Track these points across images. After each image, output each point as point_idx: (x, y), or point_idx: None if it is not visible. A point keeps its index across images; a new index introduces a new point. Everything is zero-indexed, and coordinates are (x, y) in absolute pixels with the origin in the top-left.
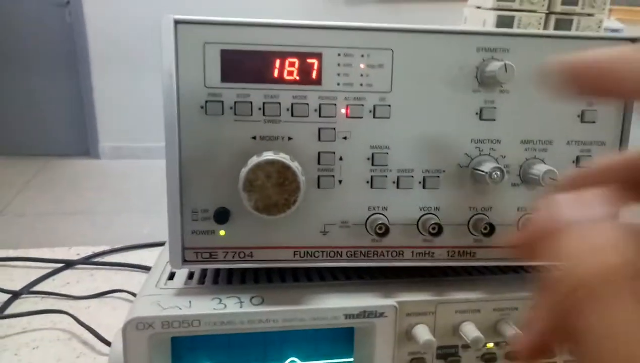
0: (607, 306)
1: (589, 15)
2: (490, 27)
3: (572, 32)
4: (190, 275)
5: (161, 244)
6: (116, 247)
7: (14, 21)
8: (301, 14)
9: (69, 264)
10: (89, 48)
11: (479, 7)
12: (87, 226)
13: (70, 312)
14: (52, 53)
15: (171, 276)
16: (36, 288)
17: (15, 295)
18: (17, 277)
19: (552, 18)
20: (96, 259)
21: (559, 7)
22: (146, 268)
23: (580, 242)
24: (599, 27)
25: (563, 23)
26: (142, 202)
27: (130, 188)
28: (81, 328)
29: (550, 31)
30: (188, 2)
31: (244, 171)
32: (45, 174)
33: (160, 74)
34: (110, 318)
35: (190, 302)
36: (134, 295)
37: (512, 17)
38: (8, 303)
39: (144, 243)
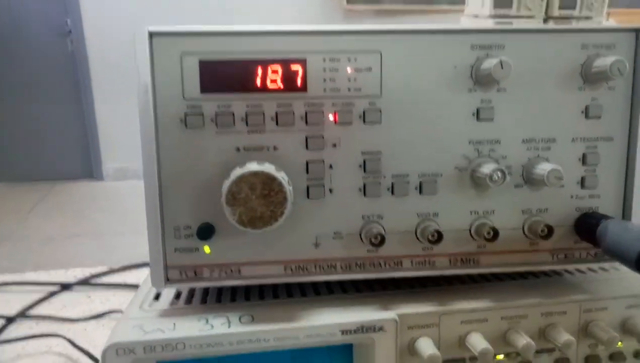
0: None
1: (587, 18)
2: None
3: (569, 26)
4: (178, 295)
5: None
6: (113, 267)
7: (18, 51)
8: None
9: (65, 286)
10: (91, 74)
11: (476, 16)
12: (92, 248)
13: (67, 335)
14: (55, 80)
15: (157, 296)
16: (32, 312)
17: (10, 320)
18: (12, 302)
19: (550, 23)
20: (93, 281)
21: (556, 12)
22: None
23: None
24: None
25: None
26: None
27: (134, 209)
28: (77, 351)
29: (546, 25)
30: (187, 23)
31: (226, 183)
32: (51, 198)
33: (136, 88)
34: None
35: (174, 324)
36: None
37: (510, 24)
38: (3, 328)
39: (141, 263)
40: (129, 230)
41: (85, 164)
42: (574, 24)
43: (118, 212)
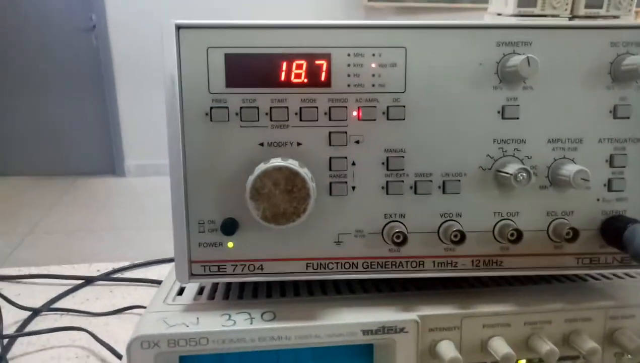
0: None
1: (614, 17)
2: None
3: (599, 23)
4: (201, 291)
5: None
6: (136, 262)
7: (43, 46)
8: None
9: (88, 281)
10: (114, 70)
11: (499, 14)
12: (113, 243)
13: (89, 328)
14: (79, 76)
15: (180, 291)
16: (56, 305)
17: (36, 312)
18: (37, 294)
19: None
20: (116, 275)
21: (582, 11)
22: None
23: None
24: None
25: None
26: (167, 219)
27: (154, 205)
28: (99, 345)
29: (575, 22)
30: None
31: (250, 179)
32: (73, 193)
33: (163, 81)
34: (129, 334)
35: (198, 318)
36: None
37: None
38: (28, 320)
39: (163, 259)
40: (149, 225)
41: (108, 160)
42: (601, 22)
43: (138, 208)
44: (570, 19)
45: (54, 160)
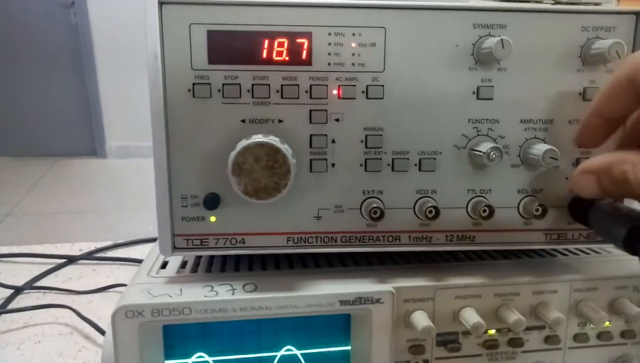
0: None
1: (596, 4)
2: None
3: (572, 7)
4: (184, 264)
5: None
6: (118, 242)
7: (21, 23)
8: None
9: (71, 260)
10: (95, 48)
11: None
12: (94, 224)
13: (72, 306)
14: (58, 53)
15: (163, 265)
16: (39, 283)
17: (18, 290)
18: (20, 273)
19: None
20: (98, 254)
21: None
22: None
23: None
24: None
25: None
26: (148, 200)
27: (135, 187)
28: (83, 322)
29: (550, 5)
30: None
31: (232, 154)
32: (53, 174)
33: (145, 57)
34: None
35: (181, 289)
36: None
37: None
38: (11, 298)
39: (145, 239)
40: (130, 207)
41: (89, 141)
42: (574, 6)
43: (119, 190)
44: (553, 5)
45: (33, 141)
